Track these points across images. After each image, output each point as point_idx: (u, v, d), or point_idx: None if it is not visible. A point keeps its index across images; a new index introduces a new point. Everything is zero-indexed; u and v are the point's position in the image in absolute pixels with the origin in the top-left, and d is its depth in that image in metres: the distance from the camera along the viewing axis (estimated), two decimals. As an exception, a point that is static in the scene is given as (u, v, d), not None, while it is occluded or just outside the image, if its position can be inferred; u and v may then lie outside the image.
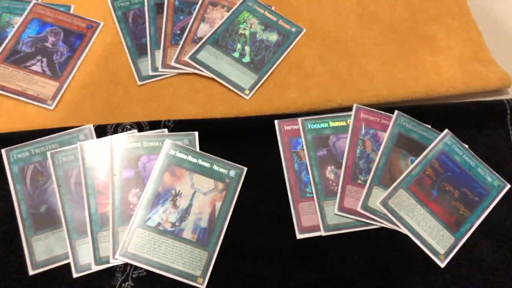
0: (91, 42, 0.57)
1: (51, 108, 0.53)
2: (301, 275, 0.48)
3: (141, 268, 0.47)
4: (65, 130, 0.51)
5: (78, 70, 0.55)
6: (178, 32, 0.58)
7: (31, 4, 0.58)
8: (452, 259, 0.49)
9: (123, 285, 0.46)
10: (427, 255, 0.49)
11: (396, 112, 0.55)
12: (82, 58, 0.56)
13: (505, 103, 0.57)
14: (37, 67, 0.55)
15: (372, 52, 0.60)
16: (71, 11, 0.59)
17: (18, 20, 0.57)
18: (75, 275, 0.46)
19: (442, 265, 0.49)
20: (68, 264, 0.47)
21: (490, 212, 0.52)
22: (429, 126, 0.55)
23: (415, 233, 0.50)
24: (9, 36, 0.56)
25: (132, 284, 0.46)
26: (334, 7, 0.62)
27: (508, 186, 0.54)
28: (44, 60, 0.55)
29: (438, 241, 0.50)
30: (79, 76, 0.55)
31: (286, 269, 0.48)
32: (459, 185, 0.53)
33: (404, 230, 0.50)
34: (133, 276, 0.47)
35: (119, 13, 0.59)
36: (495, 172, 0.54)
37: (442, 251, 0.50)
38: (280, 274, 0.48)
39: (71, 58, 0.56)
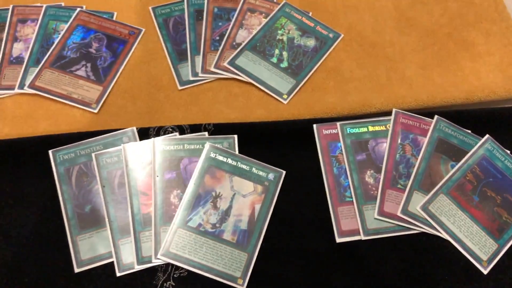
0: (133, 48, 0.59)
1: (95, 111, 0.55)
2: (341, 278, 0.48)
3: (182, 268, 0.48)
4: (109, 132, 0.52)
5: (120, 75, 0.57)
6: (217, 38, 0.60)
7: (76, 12, 0.60)
8: (495, 265, 0.48)
9: (164, 284, 0.47)
10: (468, 261, 0.48)
11: (436, 117, 0.55)
12: (124, 63, 0.58)
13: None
14: (81, 72, 0.56)
15: (410, 57, 0.60)
16: (114, 18, 0.61)
17: (64, 27, 0.59)
18: (118, 273, 0.47)
19: (485, 272, 0.48)
20: (112, 263, 0.48)
21: (534, 219, 0.51)
22: (469, 131, 0.55)
23: (456, 239, 0.49)
24: (56, 42, 0.58)
25: (174, 284, 0.47)
26: (371, 13, 0.63)
27: (552, 192, 0.53)
28: (88, 65, 0.57)
29: (480, 247, 0.49)
30: (122, 80, 0.57)
31: (325, 272, 0.48)
32: (501, 190, 0.52)
33: (445, 235, 0.49)
34: (175, 276, 0.47)
35: (160, 20, 0.61)
36: (538, 178, 0.53)
37: (484, 257, 0.49)
38: (319, 277, 0.48)
39: (114, 64, 0.57)
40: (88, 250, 0.48)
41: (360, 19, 0.62)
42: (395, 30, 0.61)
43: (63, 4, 0.61)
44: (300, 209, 0.51)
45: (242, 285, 0.47)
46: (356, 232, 0.49)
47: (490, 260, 0.49)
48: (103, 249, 0.48)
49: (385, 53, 0.60)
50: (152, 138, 0.52)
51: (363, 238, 0.49)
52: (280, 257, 0.49)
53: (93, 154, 0.51)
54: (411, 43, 0.61)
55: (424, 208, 0.50)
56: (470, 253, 0.49)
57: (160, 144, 0.52)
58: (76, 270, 0.47)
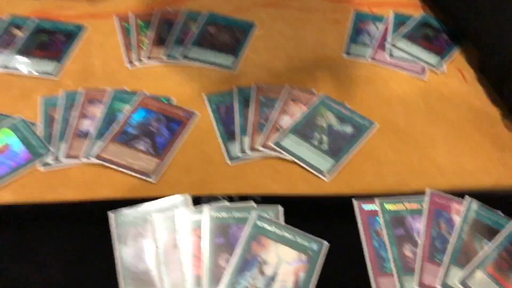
0: (189, 128, 0.65)
1: (154, 181, 0.60)
2: None
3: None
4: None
5: (176, 150, 0.63)
6: (263, 122, 0.66)
7: (141, 96, 0.68)
8: None
9: None
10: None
11: (466, 197, 0.59)
12: (180, 140, 0.64)
13: None
14: (141, 146, 0.63)
15: (440, 145, 0.65)
16: (172, 103, 0.68)
17: (127, 108, 0.67)
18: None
19: None
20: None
21: None
22: (500, 212, 0.58)
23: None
24: (120, 120, 0.65)
25: None
26: (402, 105, 0.70)
27: None
28: (148, 141, 0.63)
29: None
30: (178, 155, 0.63)
31: None
32: (538, 269, 0.54)
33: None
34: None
35: (214, 106, 0.68)
36: None
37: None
38: None
39: (171, 141, 0.64)
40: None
41: (392, 110, 0.69)
42: (425, 121, 0.68)
43: (127, 88, 0.70)
44: (342, 280, 0.53)
45: None
46: (397, 303, 0.51)
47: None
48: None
49: (417, 140, 0.66)
50: (204, 205, 0.56)
51: (405, 309, 0.50)
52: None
53: (150, 217, 0.55)
54: (441, 133, 0.67)
55: (463, 283, 0.52)
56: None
57: (211, 210, 0.56)
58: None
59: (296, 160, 0.62)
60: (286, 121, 0.67)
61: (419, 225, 0.56)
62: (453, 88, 0.72)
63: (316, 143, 0.64)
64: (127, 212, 0.56)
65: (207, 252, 0.53)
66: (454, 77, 0.74)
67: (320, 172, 0.61)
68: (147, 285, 0.51)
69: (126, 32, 0.78)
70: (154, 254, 0.53)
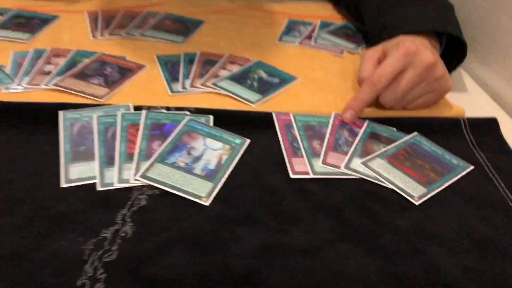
0: (137, 74, 0.76)
1: (101, 100, 0.69)
2: (290, 205, 0.55)
3: (155, 189, 0.55)
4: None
5: (125, 85, 0.73)
6: (204, 73, 0.78)
7: (98, 54, 0.79)
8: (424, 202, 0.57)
9: (138, 197, 0.54)
10: (401, 198, 0.57)
11: (367, 120, 0.69)
12: (129, 80, 0.74)
13: (459, 119, 0.71)
14: (95, 80, 0.73)
15: (351, 92, 0.77)
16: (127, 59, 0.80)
17: (87, 60, 0.78)
18: (99, 188, 0.55)
19: (416, 203, 0.56)
20: (95, 184, 0.55)
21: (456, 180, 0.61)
22: (394, 129, 0.68)
23: (391, 182, 0.58)
24: (79, 65, 0.76)
25: (147, 198, 0.54)
26: (323, 70, 0.83)
27: (472, 167, 0.63)
28: (101, 78, 0.74)
29: (412, 189, 0.58)
30: (126, 88, 0.72)
31: (277, 200, 0.55)
32: (429, 162, 0.63)
33: (382, 179, 0.58)
34: (148, 193, 0.55)
35: (162, 62, 0.80)
36: (460, 158, 0.64)
37: (416, 195, 0.57)
38: (272, 205, 0.55)
39: (121, 79, 0.74)
40: (76, 173, 0.56)
41: (314, 72, 0.82)
42: (341, 79, 0.81)
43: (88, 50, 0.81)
44: (261, 163, 0.61)
45: (206, 202, 0.54)
46: (306, 173, 0.59)
47: (420, 197, 0.57)
48: (89, 174, 0.56)
49: (333, 90, 0.78)
50: (144, 110, 0.65)
51: (312, 176, 0.58)
52: (240, 190, 0.56)
53: (94, 115, 0.63)
54: (352, 86, 0.79)
55: (364, 163, 0.61)
56: (404, 191, 0.57)
57: (150, 114, 0.65)
58: (63, 185, 0.55)
59: (229, 94, 0.73)
60: (224, 73, 0.78)
61: (326, 131, 0.66)
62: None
63: (248, 86, 0.75)
64: (75, 110, 0.64)
65: (143, 139, 0.61)
66: (368, 57, 0.88)
67: (250, 102, 0.72)
68: (85, 160, 0.58)
69: (94, 20, 0.92)
70: (95, 138, 0.60)
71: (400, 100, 0.70)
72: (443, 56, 0.76)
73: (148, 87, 0.74)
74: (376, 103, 0.72)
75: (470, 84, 0.88)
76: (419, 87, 0.69)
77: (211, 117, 0.66)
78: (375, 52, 0.73)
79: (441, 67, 0.69)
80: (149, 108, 0.66)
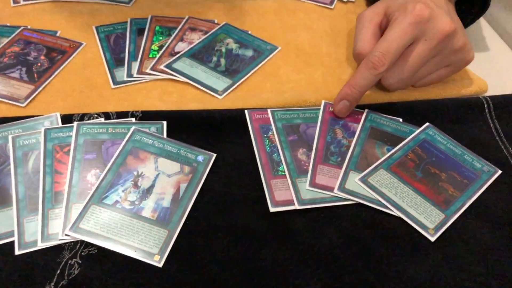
0: (71, 57, 0.59)
1: (23, 105, 0.53)
2: (272, 253, 0.42)
3: (92, 246, 0.42)
4: (31, 117, 0.50)
5: (55, 77, 0.57)
6: (157, 48, 0.61)
7: (19, 29, 0.62)
8: (441, 236, 0.44)
9: (70, 262, 0.41)
10: (412, 233, 0.44)
11: (366, 110, 0.54)
12: (61, 68, 0.58)
13: (481, 99, 0.56)
14: (15, 74, 0.56)
15: (345, 65, 0.61)
16: (57, 35, 0.62)
17: (5, 40, 0.60)
18: (17, 251, 0.41)
19: (432, 239, 0.43)
20: (12, 242, 0.42)
21: (481, 195, 0.47)
22: (400, 120, 0.54)
23: (399, 208, 0.45)
24: (-6, 52, 0.58)
25: (80, 262, 0.41)
26: (308, 32, 0.65)
27: (499, 171, 0.50)
28: (24, 69, 0.57)
29: (426, 216, 0.45)
30: (56, 82, 0.56)
31: (255, 246, 0.42)
32: (446, 168, 0.49)
33: (387, 205, 0.45)
34: (83, 254, 0.41)
35: (102, 35, 0.62)
36: (483, 159, 0.50)
37: (431, 226, 0.44)
38: (248, 252, 0.42)
39: (50, 68, 0.57)
40: (-15, 229, 0.43)
41: (298, 36, 0.65)
42: (332, 43, 0.64)
43: (8, 24, 0.63)
44: (231, 188, 0.47)
45: (159, 262, 0.41)
46: (290, 202, 0.45)
47: (437, 229, 0.44)
48: (5, 229, 0.43)
49: (322, 62, 0.61)
50: (75, 123, 0.50)
51: (298, 207, 0.44)
52: (206, 233, 0.43)
53: (9, 136, 0.48)
54: (346, 53, 0.62)
55: (363, 180, 0.47)
56: (415, 222, 0.44)
57: (82, 127, 0.49)
58: (-30, 250, 0.41)
59: (189, 81, 0.57)
60: (182, 47, 0.61)
61: (314, 132, 0.51)
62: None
63: (212, 65, 0.59)
64: (-16, 132, 0.49)
65: (74, 168, 0.46)
66: (362, 6, 0.71)
67: (215, 91, 0.56)
68: (3, 203, 0.44)
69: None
70: (12, 173, 0.46)
71: (407, 81, 0.54)
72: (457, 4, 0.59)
73: (84, 76, 0.57)
74: (377, 84, 0.56)
75: (490, 35, 0.71)
76: (432, 61, 0.53)
77: (164, 124, 0.51)
78: (375, 14, 0.55)
79: (461, 36, 0.53)
80: (82, 117, 0.51)
